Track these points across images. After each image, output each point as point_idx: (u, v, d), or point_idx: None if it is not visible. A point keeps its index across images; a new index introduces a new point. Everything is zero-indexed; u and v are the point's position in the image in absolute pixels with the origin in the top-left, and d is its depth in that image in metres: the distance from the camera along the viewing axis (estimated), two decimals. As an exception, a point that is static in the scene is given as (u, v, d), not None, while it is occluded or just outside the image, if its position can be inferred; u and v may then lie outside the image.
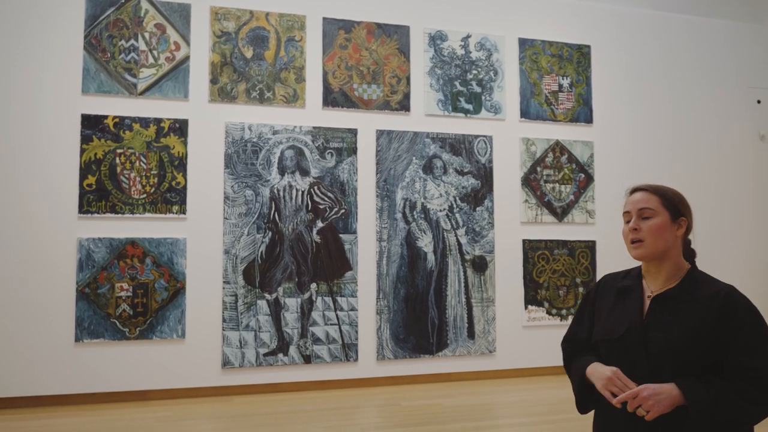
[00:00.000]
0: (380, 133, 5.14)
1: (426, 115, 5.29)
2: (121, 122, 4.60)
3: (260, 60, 4.92)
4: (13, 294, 4.32)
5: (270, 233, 4.82)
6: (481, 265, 5.30)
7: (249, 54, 4.90)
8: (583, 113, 5.73)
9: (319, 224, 4.93)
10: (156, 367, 4.53)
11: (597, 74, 5.81)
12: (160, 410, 4.27)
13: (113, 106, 4.60)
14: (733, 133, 6.18)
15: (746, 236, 6.09)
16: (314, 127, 4.98)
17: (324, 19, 5.09)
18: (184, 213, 4.67)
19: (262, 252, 4.79)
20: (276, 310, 4.78)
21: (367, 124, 5.13)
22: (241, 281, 4.73)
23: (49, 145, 4.46)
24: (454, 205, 5.27)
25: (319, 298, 4.88)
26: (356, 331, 4.95)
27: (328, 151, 5.00)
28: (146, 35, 4.71)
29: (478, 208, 5.34)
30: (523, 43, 5.61)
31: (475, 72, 5.44)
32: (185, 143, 4.71)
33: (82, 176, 4.50)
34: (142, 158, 4.62)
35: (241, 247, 4.75)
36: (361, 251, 5.01)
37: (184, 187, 4.68)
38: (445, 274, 5.20)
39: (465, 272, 5.25)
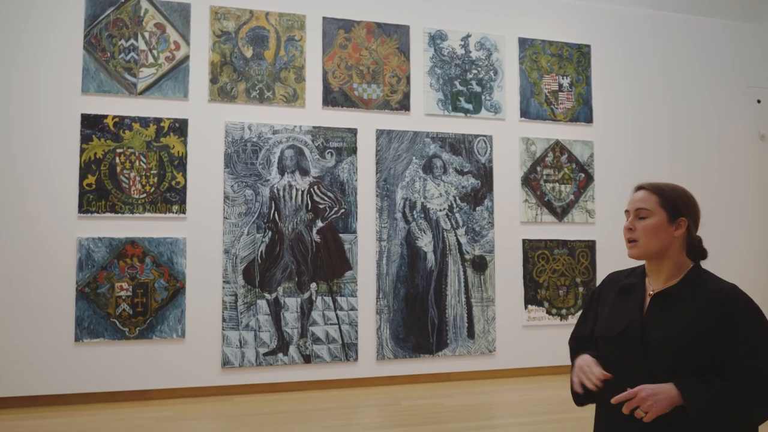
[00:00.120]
0: (380, 133, 5.14)
1: (426, 114, 5.29)
2: (121, 122, 4.60)
3: (260, 59, 4.92)
4: (13, 294, 4.32)
5: (270, 233, 4.82)
6: (480, 264, 5.30)
7: (249, 53, 4.90)
8: (583, 113, 5.72)
9: (319, 224, 4.93)
10: (156, 367, 4.53)
11: (597, 74, 5.81)
12: (160, 410, 4.27)
13: (113, 105, 4.60)
14: (732, 132, 6.18)
15: (746, 235, 6.09)
16: (314, 127, 4.98)
17: (324, 18, 5.09)
18: (184, 213, 4.67)
19: (261, 252, 4.79)
20: (276, 309, 4.78)
21: (366, 124, 5.13)
22: (240, 281, 4.72)
23: (49, 144, 4.46)
24: (454, 205, 5.27)
25: (319, 298, 4.88)
26: (356, 331, 4.95)
27: (328, 150, 5.00)
28: (146, 35, 4.71)
29: (478, 208, 5.34)
30: (523, 43, 5.61)
31: (475, 72, 5.44)
32: (185, 143, 4.71)
33: (82, 176, 4.50)
34: (142, 158, 4.62)
35: (241, 246, 4.75)
36: (360, 251, 5.01)
37: (184, 187, 4.68)
38: (445, 273, 5.20)
39: (465, 272, 5.25)
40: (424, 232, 5.18)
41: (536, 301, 5.43)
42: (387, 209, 5.10)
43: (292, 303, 4.82)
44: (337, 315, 4.91)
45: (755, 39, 6.35)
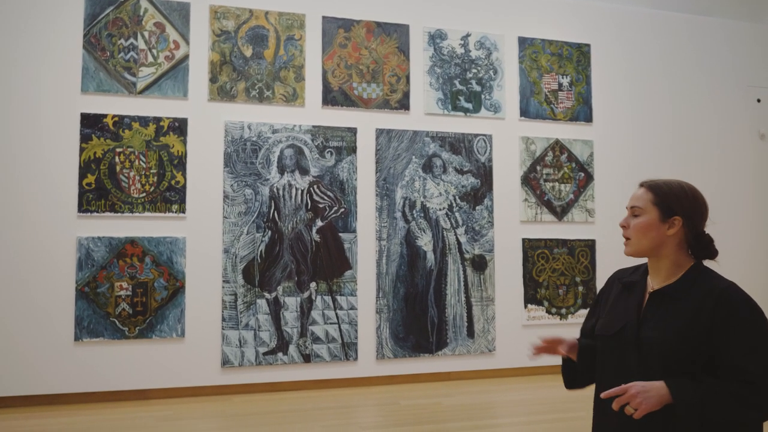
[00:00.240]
0: (380, 132, 5.14)
1: (425, 114, 5.29)
2: (121, 121, 4.59)
3: (260, 59, 4.92)
4: (12, 293, 4.32)
5: (269, 232, 4.81)
6: (480, 264, 5.30)
7: (248, 53, 4.90)
8: (582, 112, 5.72)
9: (319, 223, 4.93)
10: (155, 367, 4.53)
11: (597, 73, 5.80)
12: (159, 409, 4.27)
13: (112, 105, 4.60)
14: (732, 131, 6.18)
15: (746, 235, 6.09)
16: (314, 126, 4.98)
17: (323, 17, 5.08)
18: (184, 212, 4.67)
19: (261, 251, 4.78)
20: (275, 309, 4.78)
21: (366, 123, 5.12)
22: (240, 280, 4.72)
23: (49, 144, 4.45)
24: (454, 204, 5.27)
25: (319, 297, 4.88)
26: (356, 330, 4.95)
27: (328, 150, 5.00)
28: (145, 34, 4.70)
29: (477, 207, 5.33)
30: (523, 42, 5.60)
31: (474, 71, 5.44)
32: (185, 142, 4.71)
33: (82, 175, 4.49)
34: (142, 157, 4.62)
35: (241, 246, 4.75)
36: (360, 250, 5.01)
37: (184, 186, 4.68)
38: (445, 273, 5.20)
39: (464, 271, 5.25)
40: (424, 232, 5.18)
41: (536, 301, 5.43)
42: (387, 208, 5.10)
43: (292, 302, 4.82)
44: (336, 314, 4.91)
45: (755, 38, 6.34)
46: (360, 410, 4.44)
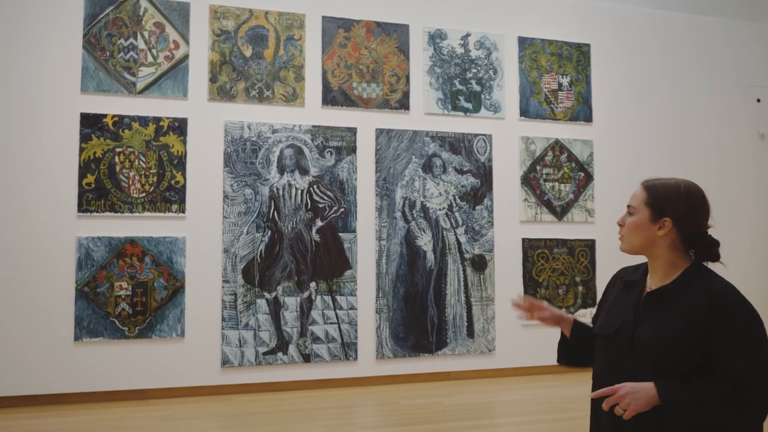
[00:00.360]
0: (380, 132, 5.14)
1: (425, 113, 5.29)
2: (120, 121, 4.59)
3: (259, 59, 4.92)
4: (12, 293, 4.32)
5: (269, 232, 4.81)
6: (480, 263, 5.30)
7: (248, 53, 4.90)
8: (582, 112, 5.72)
9: (319, 223, 4.93)
10: (155, 366, 4.53)
11: (596, 73, 5.80)
12: (159, 409, 4.27)
13: (112, 104, 4.60)
14: (732, 131, 6.18)
15: (746, 235, 6.09)
16: (313, 126, 4.98)
17: (323, 17, 5.08)
18: (184, 212, 4.67)
19: (261, 251, 4.78)
20: (275, 309, 4.78)
21: (366, 123, 5.12)
22: (240, 280, 4.72)
23: (48, 143, 4.45)
24: (454, 204, 5.27)
25: (319, 297, 4.88)
26: (356, 330, 4.95)
27: (328, 149, 5.00)
28: (145, 34, 4.70)
29: (477, 207, 5.33)
30: (523, 42, 5.60)
31: (474, 71, 5.44)
32: (184, 142, 4.71)
33: (81, 175, 4.49)
34: (142, 157, 4.62)
35: (241, 246, 4.75)
36: (360, 250, 5.01)
37: (184, 186, 4.68)
38: (445, 272, 5.20)
39: (464, 271, 5.25)
40: (424, 232, 5.18)
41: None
42: (386, 208, 5.10)
43: (292, 302, 4.82)
44: (336, 314, 4.91)
45: (755, 38, 6.34)
46: (360, 410, 4.44)
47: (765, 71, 6.35)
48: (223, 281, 4.70)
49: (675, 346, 1.53)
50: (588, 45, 5.79)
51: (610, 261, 5.35)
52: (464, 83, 5.40)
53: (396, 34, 5.25)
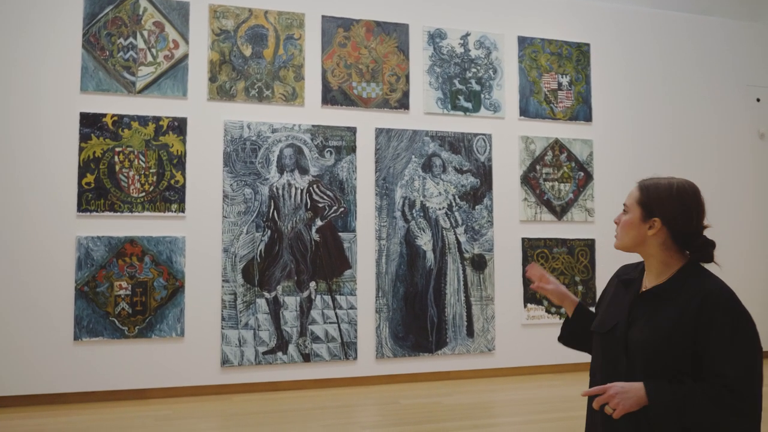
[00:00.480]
0: (379, 132, 5.14)
1: (425, 113, 5.29)
2: (120, 120, 4.59)
3: (259, 58, 4.92)
4: (12, 292, 4.32)
5: (269, 232, 4.81)
6: (480, 263, 5.30)
7: (248, 52, 4.90)
8: (582, 111, 5.72)
9: (318, 223, 4.93)
10: (155, 366, 4.53)
11: (596, 72, 5.80)
12: (159, 409, 4.27)
13: (112, 104, 4.60)
14: (732, 131, 6.18)
15: (746, 234, 6.09)
16: (313, 126, 4.97)
17: (323, 17, 5.08)
18: (183, 211, 4.67)
19: (261, 250, 4.78)
20: (275, 308, 4.78)
21: (366, 123, 5.12)
22: (240, 280, 4.72)
23: (48, 143, 4.45)
24: (454, 204, 5.27)
25: (318, 297, 4.88)
26: (355, 330, 4.95)
27: (327, 149, 5.00)
28: (145, 33, 4.70)
29: (477, 207, 5.33)
30: (523, 42, 5.60)
31: (474, 70, 5.44)
32: (184, 141, 4.70)
33: (81, 175, 4.49)
34: (141, 157, 4.61)
35: (240, 245, 4.74)
36: (360, 250, 5.01)
37: (183, 186, 4.68)
38: (444, 272, 5.20)
39: (464, 270, 5.25)
40: (424, 231, 5.18)
41: (535, 300, 5.43)
42: (386, 208, 5.10)
43: (292, 302, 4.82)
44: (336, 314, 4.91)
45: (755, 38, 6.34)
46: (360, 409, 4.44)
47: (764, 71, 6.35)
48: (223, 281, 4.69)
49: (665, 347, 1.54)
50: (588, 44, 5.79)
51: (610, 261, 5.36)
52: (464, 83, 5.40)
53: (396, 33, 5.25)
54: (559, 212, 5.57)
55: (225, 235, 4.72)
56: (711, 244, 1.63)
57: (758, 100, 6.29)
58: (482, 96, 5.44)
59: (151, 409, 4.26)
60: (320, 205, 4.95)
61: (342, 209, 4.99)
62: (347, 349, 4.92)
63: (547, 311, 5.46)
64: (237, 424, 3.98)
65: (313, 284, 4.87)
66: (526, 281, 5.43)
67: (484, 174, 5.37)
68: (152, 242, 4.57)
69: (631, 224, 1.67)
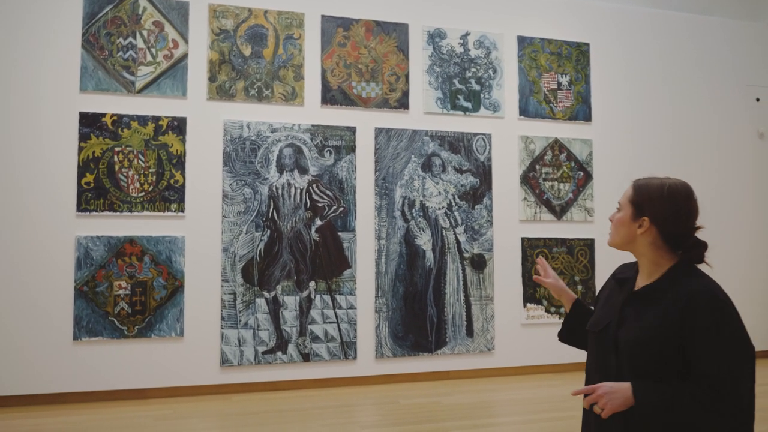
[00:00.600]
0: (379, 131, 5.14)
1: (425, 113, 5.28)
2: (119, 120, 4.59)
3: (259, 58, 4.91)
4: (11, 292, 4.32)
5: (269, 231, 4.81)
6: (479, 263, 5.30)
7: (247, 52, 4.90)
8: (582, 111, 5.72)
9: (318, 222, 4.93)
10: (154, 366, 4.53)
11: (596, 72, 5.80)
12: (158, 409, 4.26)
13: (111, 104, 4.60)
14: (732, 130, 6.18)
15: (746, 234, 6.09)
16: (313, 125, 4.97)
17: (322, 16, 5.08)
18: (183, 211, 4.66)
19: (260, 250, 4.78)
20: (275, 308, 4.78)
21: (365, 122, 5.12)
22: (239, 279, 4.72)
23: (47, 143, 4.45)
24: (453, 203, 5.27)
25: (318, 297, 4.88)
26: (355, 330, 4.95)
27: (327, 149, 5.00)
28: (144, 33, 4.70)
29: (476, 206, 5.33)
30: (522, 41, 5.60)
31: (474, 70, 5.44)
32: (183, 141, 4.70)
33: (80, 174, 4.49)
34: (141, 156, 4.61)
35: (240, 245, 4.74)
36: (359, 249, 5.01)
37: (183, 186, 4.68)
38: (444, 272, 5.20)
39: (464, 270, 5.25)
40: (423, 231, 5.18)
41: (535, 300, 5.44)
42: (386, 208, 5.10)
43: (291, 301, 4.82)
44: (335, 313, 4.91)
45: (755, 37, 6.34)
46: (359, 409, 4.44)
47: (764, 70, 6.35)
48: (223, 280, 4.69)
49: (651, 347, 1.54)
50: (587, 44, 5.79)
51: (610, 260, 5.34)
52: (463, 82, 5.40)
53: (395, 33, 5.25)
54: (559, 212, 5.57)
55: (224, 235, 4.72)
56: (701, 245, 1.63)
57: (758, 99, 6.29)
58: (482, 96, 5.44)
59: (151, 408, 4.26)
60: (320, 204, 4.95)
61: (341, 209, 4.99)
62: (347, 349, 4.92)
63: (547, 311, 5.46)
64: (236, 423, 3.98)
65: (312, 284, 4.87)
66: (526, 281, 5.43)
67: (484, 174, 5.38)
68: (152, 242, 4.57)
69: (622, 222, 1.69)
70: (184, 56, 4.76)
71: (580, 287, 5.56)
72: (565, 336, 1.98)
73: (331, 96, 5.06)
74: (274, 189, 4.85)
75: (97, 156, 4.53)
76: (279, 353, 4.76)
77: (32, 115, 4.44)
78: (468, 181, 5.33)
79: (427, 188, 5.22)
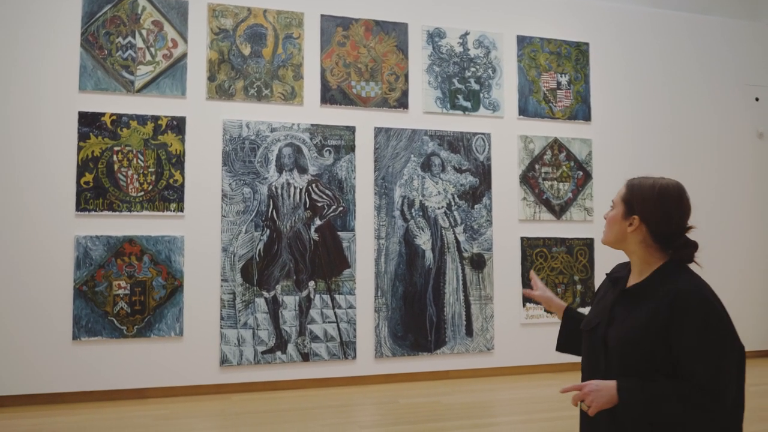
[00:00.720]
0: (378, 131, 5.14)
1: (424, 112, 5.28)
2: (119, 120, 4.58)
3: (258, 57, 4.91)
4: (10, 292, 4.31)
5: (268, 231, 4.81)
6: (479, 262, 5.30)
7: (247, 51, 4.89)
8: (581, 111, 5.72)
9: (317, 222, 4.92)
10: (154, 366, 4.53)
11: (595, 72, 5.80)
12: (158, 408, 4.26)
13: (110, 103, 4.59)
14: (731, 130, 6.18)
15: (745, 233, 6.09)
16: (312, 125, 4.97)
17: (322, 16, 5.07)
18: (182, 211, 4.66)
19: (260, 250, 4.78)
20: (274, 308, 4.78)
21: (365, 122, 5.12)
22: (239, 279, 4.72)
23: (47, 142, 4.44)
24: (453, 203, 5.27)
25: (318, 296, 4.87)
26: (354, 329, 4.95)
27: (326, 148, 5.00)
28: (143, 32, 4.69)
29: (476, 206, 5.33)
30: (522, 41, 5.60)
31: (473, 69, 5.43)
32: (183, 141, 4.70)
33: (80, 174, 4.48)
34: (140, 156, 4.61)
35: (239, 244, 4.74)
36: (359, 249, 5.00)
37: (182, 185, 4.67)
38: (444, 271, 5.20)
39: (463, 270, 5.25)
40: (423, 230, 5.18)
41: (534, 299, 5.42)
42: (385, 207, 5.10)
43: (291, 301, 4.82)
44: (335, 313, 4.90)
45: (754, 37, 6.35)
46: (359, 409, 4.44)
47: (763, 70, 6.35)
48: (222, 280, 4.69)
49: (637, 345, 1.56)
50: (587, 44, 5.79)
51: (609, 260, 5.32)
52: (463, 82, 5.40)
53: (395, 32, 5.25)
54: (558, 211, 5.57)
55: (224, 235, 4.72)
56: (692, 245, 1.64)
57: (757, 99, 6.29)
58: (481, 95, 5.44)
59: (150, 408, 4.26)
60: (319, 204, 4.94)
61: (341, 208, 4.99)
62: (346, 349, 4.92)
63: (546, 311, 5.46)
64: (236, 423, 3.97)
65: (312, 283, 4.87)
66: (525, 280, 5.43)
67: (483, 173, 5.37)
68: (151, 241, 4.56)
69: (614, 220, 1.73)
70: (184, 56, 4.75)
71: (579, 287, 5.56)
72: (562, 346, 1.99)
73: (330, 95, 5.05)
74: (273, 188, 4.85)
75: (96, 155, 4.52)
76: (278, 353, 4.76)
77: (31, 114, 4.43)
78: (467, 181, 5.32)
79: (426, 188, 5.21)
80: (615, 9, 5.93)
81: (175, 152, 4.68)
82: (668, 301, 1.55)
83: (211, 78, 4.80)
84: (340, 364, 4.92)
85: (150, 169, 4.62)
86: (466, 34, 5.44)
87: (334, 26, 5.09)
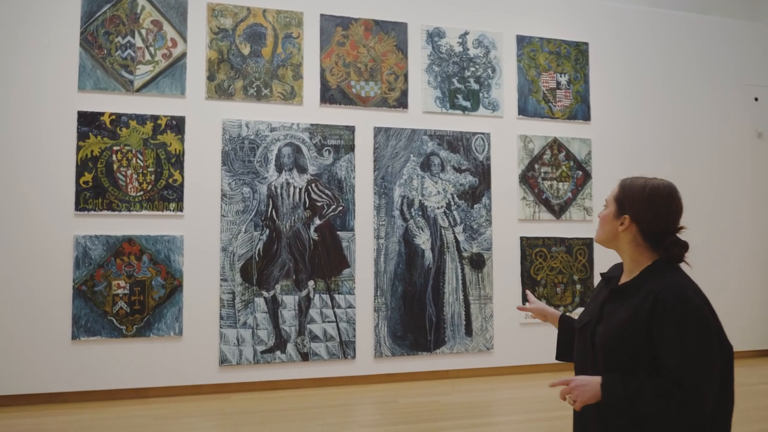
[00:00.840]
0: (378, 131, 5.13)
1: (424, 112, 5.28)
2: (118, 119, 4.58)
3: (257, 57, 4.91)
4: (9, 292, 4.31)
5: (267, 231, 4.81)
6: (478, 262, 5.30)
7: (246, 51, 4.89)
8: (581, 110, 5.72)
9: (317, 221, 4.92)
10: (153, 365, 4.52)
11: (595, 71, 5.80)
12: (157, 408, 4.26)
13: (110, 103, 4.59)
14: (730, 130, 6.19)
15: (745, 233, 6.09)
16: (312, 125, 4.97)
17: (321, 15, 5.07)
18: (181, 210, 4.66)
19: (259, 249, 4.78)
20: (273, 307, 4.78)
21: (364, 122, 5.12)
22: (238, 279, 4.72)
23: (46, 142, 4.44)
24: (452, 203, 5.27)
25: (317, 296, 4.87)
26: (354, 329, 4.95)
27: (326, 148, 4.99)
28: (143, 32, 4.69)
29: (475, 206, 5.33)
30: (521, 41, 5.60)
31: (473, 69, 5.43)
32: (182, 140, 4.69)
33: (79, 173, 4.48)
34: (139, 155, 4.61)
35: (239, 244, 4.74)
36: (358, 248, 5.00)
37: (181, 185, 4.67)
38: (443, 271, 5.20)
39: (463, 269, 5.25)
40: (422, 230, 5.18)
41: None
42: (385, 207, 5.10)
43: (290, 301, 4.82)
44: (334, 313, 4.90)
45: (754, 37, 6.35)
46: (358, 408, 4.44)
47: (763, 70, 6.35)
48: (221, 280, 4.69)
49: (620, 342, 1.60)
50: (586, 43, 5.79)
51: (608, 260, 5.34)
52: (462, 82, 5.40)
53: (394, 32, 5.24)
54: (558, 211, 5.57)
55: (223, 234, 4.71)
56: (681, 245, 1.67)
57: (756, 99, 6.30)
58: (481, 95, 5.44)
59: (150, 408, 4.26)
60: (319, 204, 4.94)
61: (340, 208, 4.99)
62: (346, 348, 4.92)
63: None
64: (235, 423, 3.97)
65: (311, 283, 4.87)
66: (525, 280, 5.43)
67: (483, 173, 5.37)
68: (150, 241, 4.56)
69: (606, 219, 1.75)
70: (183, 55, 4.75)
71: (578, 286, 5.56)
72: (561, 354, 2.03)
73: (330, 95, 5.05)
74: (272, 188, 4.85)
75: (95, 155, 4.52)
76: (278, 352, 4.76)
77: (30, 114, 4.43)
78: (467, 181, 5.32)
79: (426, 187, 5.21)
80: (614, 9, 5.93)
81: (175, 152, 4.68)
82: (650, 299, 1.58)
83: (211, 78, 4.80)
84: (340, 364, 4.92)
85: (149, 169, 4.62)
86: (466, 33, 5.44)
87: (333, 26, 5.09)
